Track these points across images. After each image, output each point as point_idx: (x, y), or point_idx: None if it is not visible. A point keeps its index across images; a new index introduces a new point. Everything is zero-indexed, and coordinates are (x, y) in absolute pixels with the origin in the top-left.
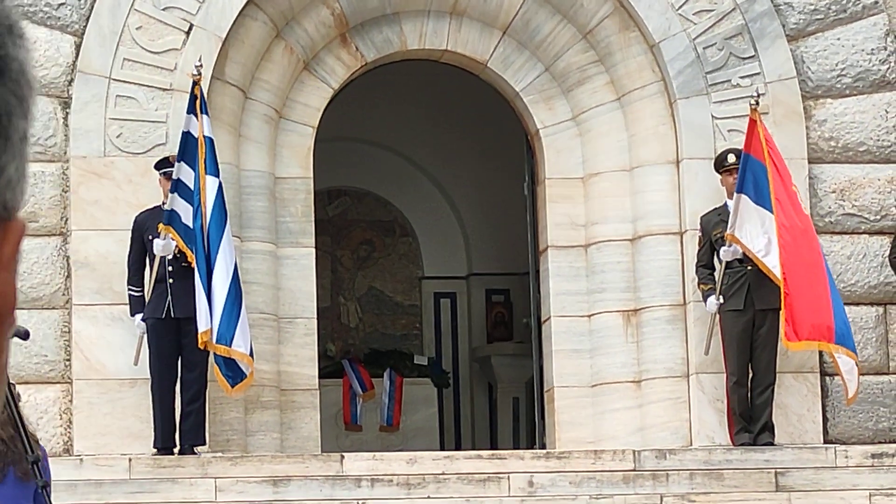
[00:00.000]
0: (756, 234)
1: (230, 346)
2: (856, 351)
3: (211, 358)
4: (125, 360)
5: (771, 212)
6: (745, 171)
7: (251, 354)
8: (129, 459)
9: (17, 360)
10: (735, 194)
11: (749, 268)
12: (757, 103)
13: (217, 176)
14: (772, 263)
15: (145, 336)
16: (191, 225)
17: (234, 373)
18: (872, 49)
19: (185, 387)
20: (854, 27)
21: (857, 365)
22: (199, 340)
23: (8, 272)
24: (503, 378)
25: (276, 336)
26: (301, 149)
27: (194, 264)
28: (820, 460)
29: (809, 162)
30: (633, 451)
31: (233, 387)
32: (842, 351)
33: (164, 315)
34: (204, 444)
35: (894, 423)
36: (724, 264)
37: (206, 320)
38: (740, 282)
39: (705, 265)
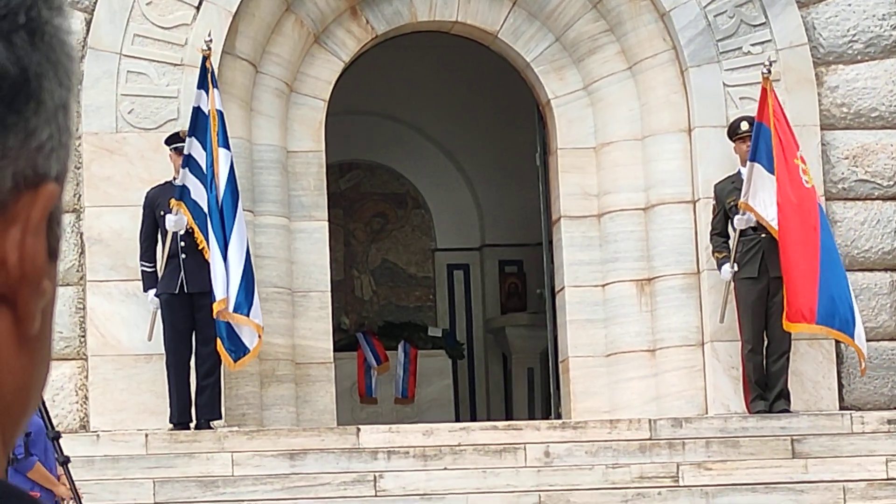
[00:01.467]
0: (769, 202)
1: (248, 315)
2: (849, 333)
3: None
4: (140, 335)
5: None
6: (759, 139)
7: (261, 327)
8: (146, 435)
9: None
10: (748, 162)
11: (763, 235)
12: (769, 71)
13: (229, 149)
14: None
15: (159, 311)
16: (202, 200)
17: (236, 347)
18: (884, 14)
19: (199, 361)
20: None
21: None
22: (214, 310)
23: (36, 237)
24: (517, 349)
25: (290, 310)
26: (312, 122)
27: (201, 242)
28: (836, 427)
29: (822, 129)
30: (649, 420)
31: (235, 361)
32: (825, 331)
33: (177, 290)
34: (220, 418)
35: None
36: (738, 232)
37: (223, 289)
38: (754, 250)
39: (719, 233)
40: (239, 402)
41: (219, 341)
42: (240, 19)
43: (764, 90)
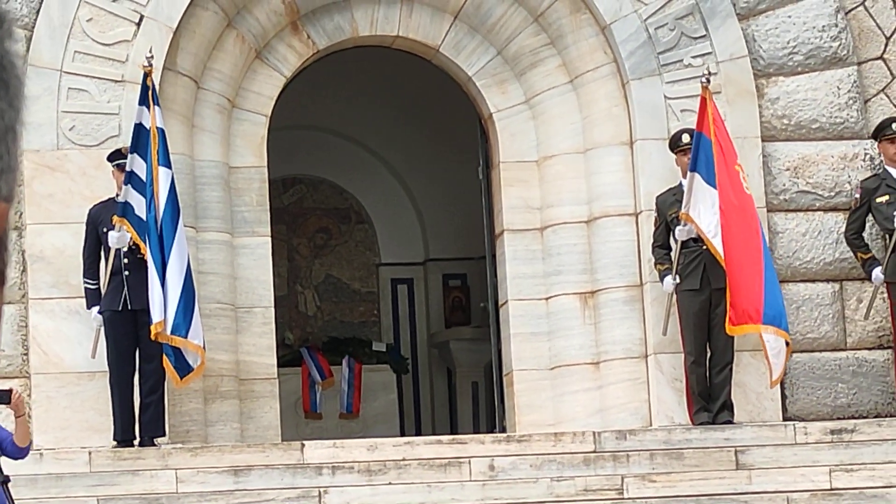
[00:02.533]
0: (707, 213)
1: (186, 336)
2: (788, 331)
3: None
4: (83, 353)
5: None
6: (698, 149)
7: (203, 346)
8: (90, 452)
9: None
10: (689, 173)
11: (704, 247)
12: (708, 81)
13: (169, 167)
14: (719, 244)
15: (102, 329)
16: (144, 217)
17: (181, 364)
18: (823, 26)
19: (143, 378)
20: (804, 4)
21: (787, 346)
22: (152, 332)
23: None
24: (462, 363)
25: (233, 326)
26: (255, 138)
27: (146, 255)
28: (779, 437)
29: (763, 140)
30: (593, 433)
31: (182, 378)
32: (771, 330)
33: (120, 307)
34: (164, 435)
35: (852, 399)
36: (679, 244)
37: (160, 311)
38: (696, 261)
39: (661, 245)
40: (183, 419)
41: (165, 358)
42: (181, 35)
43: (703, 99)
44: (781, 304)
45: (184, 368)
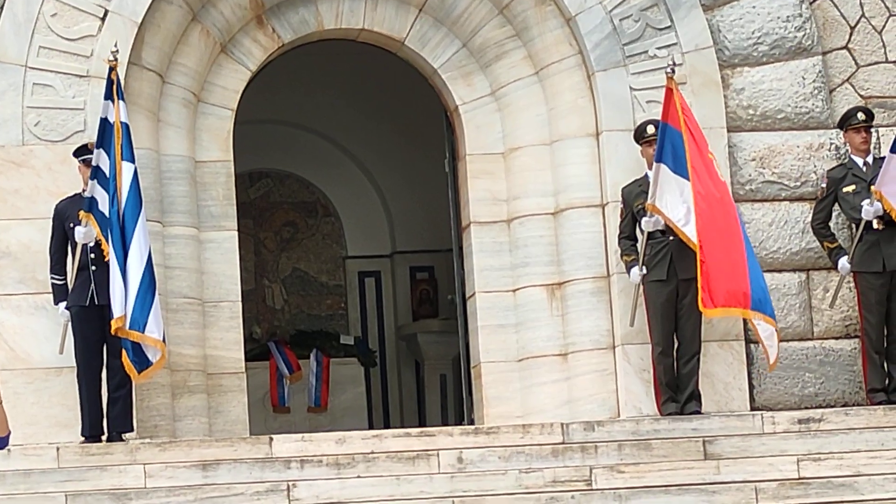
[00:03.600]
0: (675, 203)
1: (143, 331)
2: (774, 317)
3: None
4: (50, 348)
5: (688, 180)
6: (664, 140)
7: (164, 341)
8: (57, 448)
9: None
10: (654, 164)
11: (671, 238)
12: (673, 72)
13: (133, 162)
14: (690, 232)
15: (69, 324)
16: (107, 212)
17: (140, 358)
18: (788, 16)
19: (111, 374)
20: None
21: (776, 331)
22: (112, 327)
23: None
24: (430, 355)
25: (201, 320)
26: (220, 132)
27: (107, 254)
28: (747, 427)
29: (728, 130)
30: (562, 424)
31: (139, 372)
32: (759, 317)
33: (87, 303)
34: (132, 430)
35: (820, 389)
36: (646, 235)
37: (122, 306)
38: (662, 252)
39: (628, 237)
40: (151, 414)
41: (124, 353)
42: (145, 30)
43: (669, 90)
44: (766, 290)
45: (142, 363)
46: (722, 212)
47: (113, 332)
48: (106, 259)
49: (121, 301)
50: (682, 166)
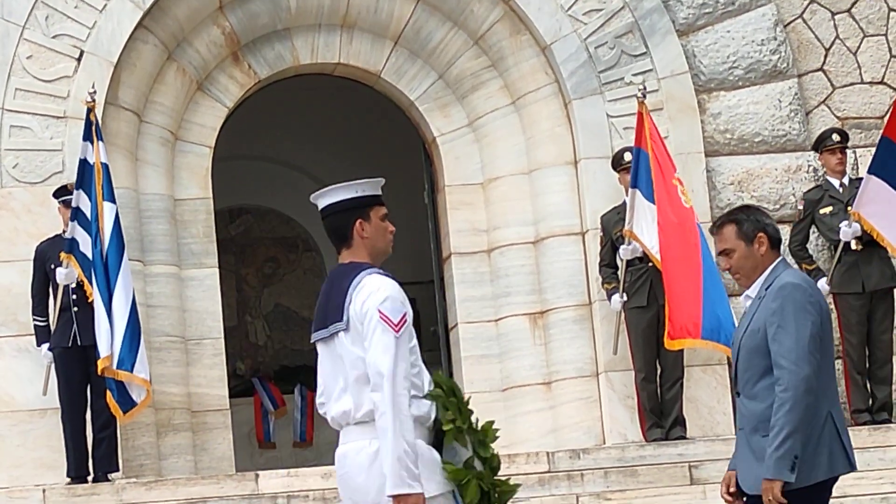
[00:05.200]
0: (650, 229)
1: (132, 371)
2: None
3: None
4: (34, 390)
5: (654, 205)
6: (638, 165)
7: (149, 380)
8: (43, 490)
9: None
10: (630, 189)
11: (650, 264)
12: (644, 96)
13: (114, 202)
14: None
15: (53, 365)
16: (89, 252)
17: (124, 398)
18: (763, 40)
19: (95, 414)
20: (743, 19)
21: None
22: (99, 367)
23: None
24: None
25: (184, 358)
26: (199, 169)
27: (90, 295)
28: (732, 452)
29: (706, 155)
30: (547, 453)
31: (125, 413)
32: (711, 346)
33: (70, 344)
34: (117, 470)
35: None
36: (625, 262)
37: (107, 346)
38: (643, 278)
39: (608, 264)
40: (136, 454)
41: (108, 393)
42: (121, 69)
43: (640, 115)
44: (724, 317)
45: (127, 403)
46: (680, 239)
47: (99, 372)
48: (89, 300)
49: (107, 341)
50: (652, 192)
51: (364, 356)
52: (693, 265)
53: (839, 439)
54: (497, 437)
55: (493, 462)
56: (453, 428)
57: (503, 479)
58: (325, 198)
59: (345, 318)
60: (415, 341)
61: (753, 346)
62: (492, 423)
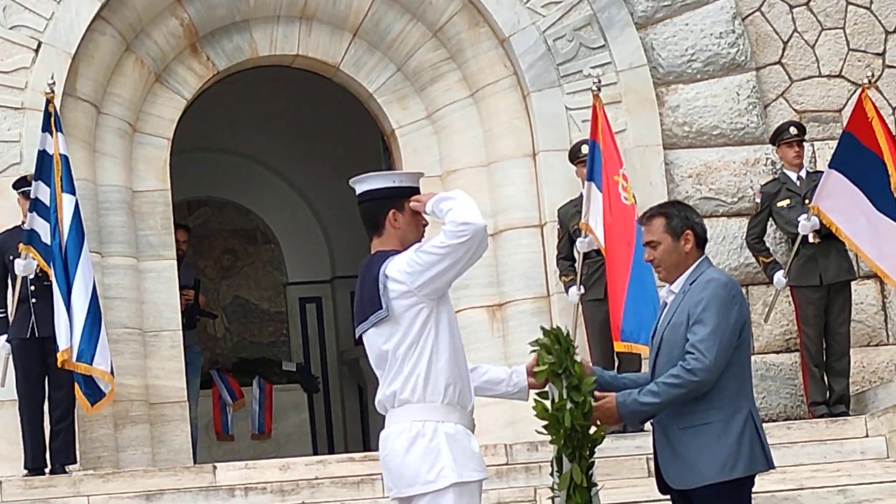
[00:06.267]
0: (601, 222)
1: (91, 363)
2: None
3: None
4: None
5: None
6: (594, 158)
7: (112, 372)
8: (0, 482)
9: None
10: (586, 182)
11: None
12: (599, 89)
13: (73, 194)
14: None
15: (11, 357)
16: (49, 243)
17: (92, 391)
18: (721, 33)
19: (53, 406)
20: (701, 12)
21: None
22: (59, 359)
23: None
24: (372, 379)
25: (142, 350)
26: (157, 161)
27: (52, 276)
28: None
29: (664, 148)
30: (505, 445)
31: (92, 405)
32: (631, 347)
33: (28, 335)
34: (75, 462)
35: (761, 403)
36: (582, 255)
37: (66, 339)
38: (599, 271)
39: (565, 257)
40: (94, 445)
41: (76, 386)
42: (79, 61)
43: (594, 108)
44: (648, 317)
45: (95, 394)
46: (616, 238)
47: (59, 364)
48: (51, 286)
49: (66, 333)
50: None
51: (405, 334)
52: (623, 264)
53: (759, 438)
54: (594, 386)
55: (584, 407)
56: (548, 368)
57: (590, 425)
58: (362, 184)
59: (384, 304)
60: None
61: (675, 339)
62: (584, 368)
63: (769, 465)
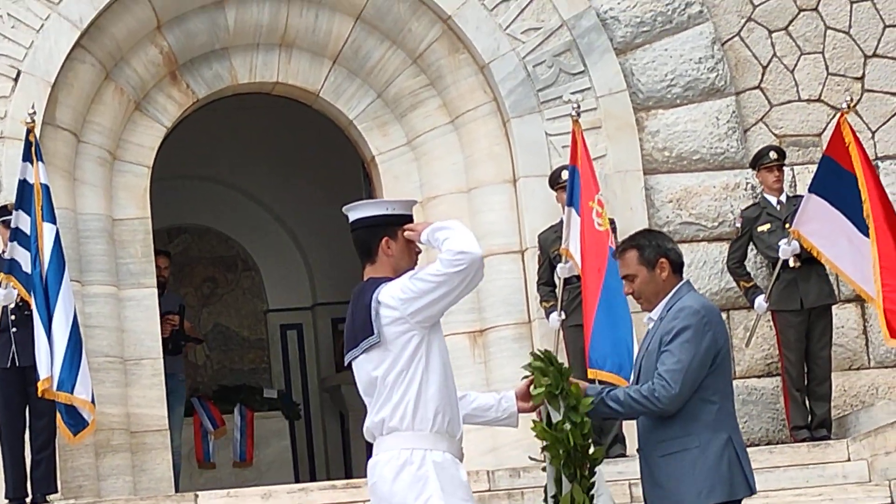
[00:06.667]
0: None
1: (72, 392)
2: (624, 376)
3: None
4: None
5: None
6: (573, 184)
7: (93, 401)
8: None
9: None
10: (566, 207)
11: None
12: (578, 115)
13: (54, 223)
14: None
15: None
16: (30, 272)
17: (75, 420)
18: (700, 58)
19: (33, 435)
20: (681, 37)
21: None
22: (39, 389)
23: None
24: (354, 406)
25: (122, 378)
26: (137, 189)
27: (33, 310)
28: None
29: (645, 173)
30: (487, 472)
31: (75, 434)
32: (598, 375)
33: (9, 364)
34: (56, 491)
35: (743, 427)
36: (562, 281)
37: (47, 368)
38: (580, 297)
39: (546, 282)
40: (75, 475)
41: (58, 416)
42: (59, 89)
43: (574, 133)
44: (618, 344)
45: (78, 424)
46: (588, 264)
47: (39, 393)
48: (31, 315)
49: (47, 363)
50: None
51: (395, 360)
52: (592, 292)
53: (739, 464)
54: (592, 407)
55: (583, 427)
56: (545, 390)
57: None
58: (355, 211)
59: (375, 330)
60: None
61: (649, 367)
62: (581, 388)
63: (751, 491)
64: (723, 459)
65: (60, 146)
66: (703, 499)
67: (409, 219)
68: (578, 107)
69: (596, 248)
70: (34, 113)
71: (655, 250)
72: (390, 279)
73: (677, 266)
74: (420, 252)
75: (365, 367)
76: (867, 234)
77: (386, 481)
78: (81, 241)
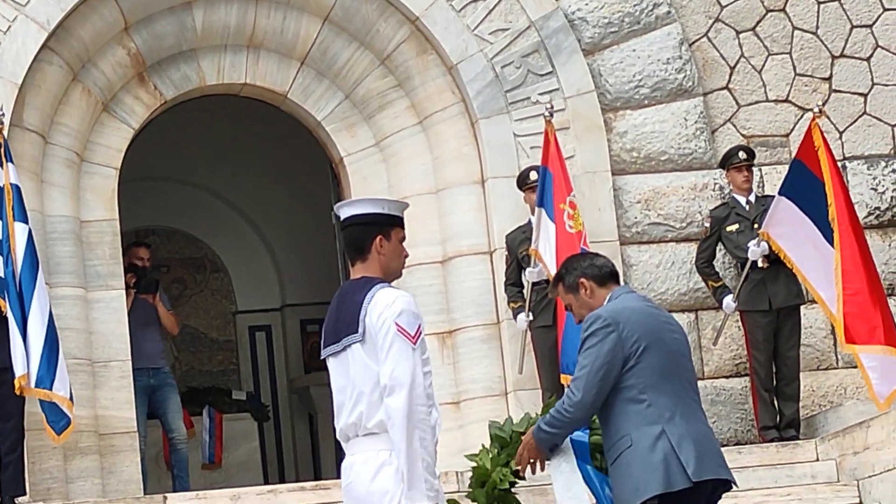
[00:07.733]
0: (552, 249)
1: (50, 389)
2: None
3: (37, 407)
4: None
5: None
6: (544, 185)
7: (71, 399)
8: None
9: None
10: (536, 208)
11: None
12: (551, 115)
13: (26, 223)
14: None
15: None
16: (1, 273)
17: (57, 418)
18: (668, 58)
19: (1, 437)
20: (649, 38)
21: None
22: (16, 386)
23: None
24: (323, 408)
25: (91, 381)
26: (105, 191)
27: (7, 313)
28: None
29: (613, 174)
30: (456, 473)
31: (59, 434)
32: (569, 380)
33: None
34: (24, 494)
35: (713, 427)
36: (530, 282)
37: (23, 365)
38: (548, 298)
39: (514, 283)
40: (43, 477)
41: (42, 417)
42: (26, 91)
43: (546, 134)
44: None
45: (59, 420)
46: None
47: (17, 391)
48: (4, 316)
49: (22, 360)
50: (553, 212)
51: (378, 368)
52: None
53: (675, 455)
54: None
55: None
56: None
57: None
58: (349, 208)
59: (360, 329)
60: (427, 353)
61: None
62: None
63: (689, 481)
64: (654, 452)
65: (28, 148)
66: (640, 494)
67: (401, 221)
68: (552, 107)
69: (567, 251)
70: (2, 114)
71: (573, 275)
72: (381, 280)
73: (601, 279)
74: (407, 255)
75: (342, 365)
76: (832, 242)
77: (364, 481)
78: (49, 243)
